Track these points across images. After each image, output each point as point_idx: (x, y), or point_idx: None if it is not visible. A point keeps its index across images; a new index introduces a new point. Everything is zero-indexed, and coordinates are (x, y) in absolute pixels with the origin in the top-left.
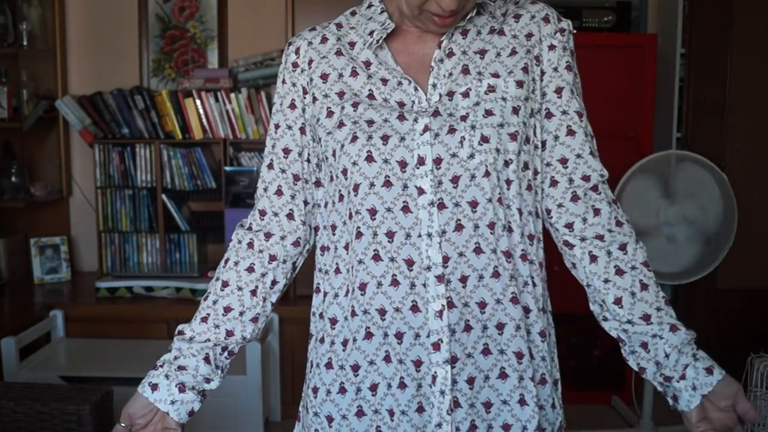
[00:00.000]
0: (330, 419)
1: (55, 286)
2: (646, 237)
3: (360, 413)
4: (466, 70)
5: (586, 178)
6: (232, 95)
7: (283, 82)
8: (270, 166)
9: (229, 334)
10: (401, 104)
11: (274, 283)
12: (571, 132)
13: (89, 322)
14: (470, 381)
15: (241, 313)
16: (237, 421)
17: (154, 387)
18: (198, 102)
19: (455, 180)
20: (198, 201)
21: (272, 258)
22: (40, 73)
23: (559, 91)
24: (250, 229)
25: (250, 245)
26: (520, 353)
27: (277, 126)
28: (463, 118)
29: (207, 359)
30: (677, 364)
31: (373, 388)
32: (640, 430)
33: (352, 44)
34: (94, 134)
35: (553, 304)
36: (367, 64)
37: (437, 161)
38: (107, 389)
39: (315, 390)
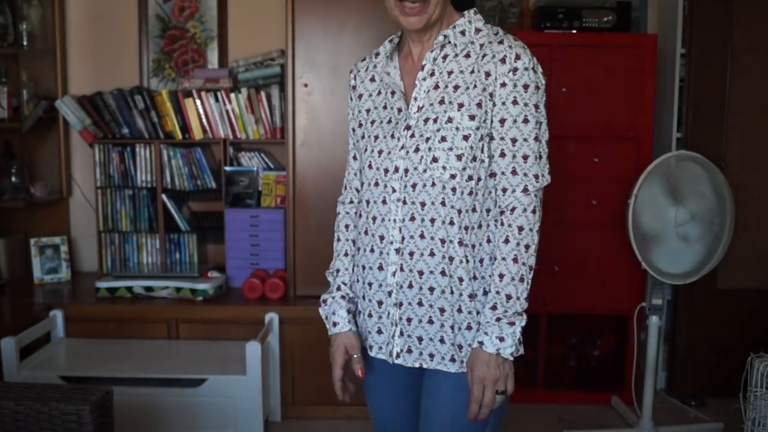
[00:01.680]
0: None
1: (55, 286)
2: (662, 239)
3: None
4: (441, 101)
5: (504, 190)
6: (232, 95)
7: (350, 98)
8: (354, 158)
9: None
10: (399, 110)
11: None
12: (502, 154)
13: (89, 322)
14: (408, 320)
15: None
16: (237, 421)
17: (335, 324)
18: (198, 102)
19: (414, 186)
20: (198, 201)
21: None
22: (40, 73)
23: (502, 121)
24: (351, 202)
25: (356, 214)
26: (443, 309)
27: (353, 129)
28: (427, 140)
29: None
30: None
31: (359, 312)
32: (640, 430)
33: (378, 68)
34: (94, 134)
35: (553, 304)
36: (386, 75)
37: (405, 171)
38: (107, 389)
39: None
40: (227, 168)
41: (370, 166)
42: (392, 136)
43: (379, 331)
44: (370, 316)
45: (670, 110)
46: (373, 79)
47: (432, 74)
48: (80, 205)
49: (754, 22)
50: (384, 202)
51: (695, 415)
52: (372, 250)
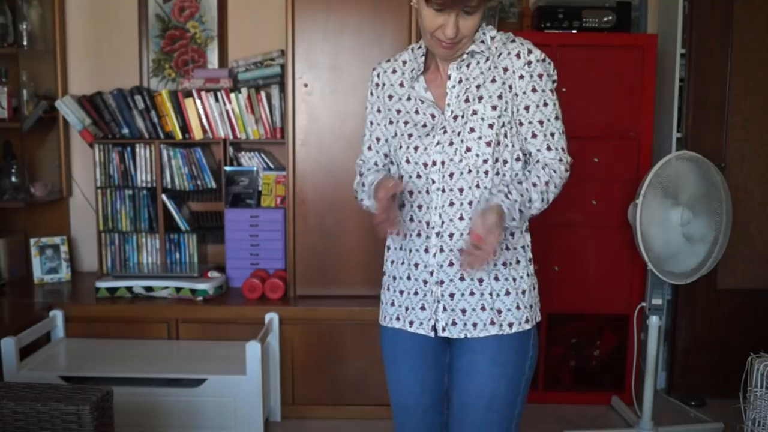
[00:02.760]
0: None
1: (55, 286)
2: (667, 239)
3: (399, 293)
4: (466, 99)
5: (537, 161)
6: (232, 95)
7: (371, 93)
8: (369, 148)
9: None
10: (432, 116)
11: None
12: (534, 135)
13: (89, 322)
14: (451, 296)
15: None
16: (237, 421)
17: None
18: (198, 102)
19: (451, 175)
20: (198, 201)
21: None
22: (40, 73)
23: (527, 108)
24: (361, 175)
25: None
26: (481, 279)
27: (371, 123)
28: (458, 134)
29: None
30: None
31: (402, 291)
32: (640, 430)
33: (406, 75)
34: (94, 134)
35: (553, 305)
36: (413, 90)
37: (443, 163)
38: (107, 389)
39: (391, 262)
40: (227, 168)
41: (407, 161)
42: (427, 135)
43: (423, 308)
44: (415, 293)
45: (670, 110)
46: (402, 84)
47: (460, 81)
48: (80, 205)
49: (754, 22)
50: (427, 192)
51: (695, 415)
52: (419, 235)
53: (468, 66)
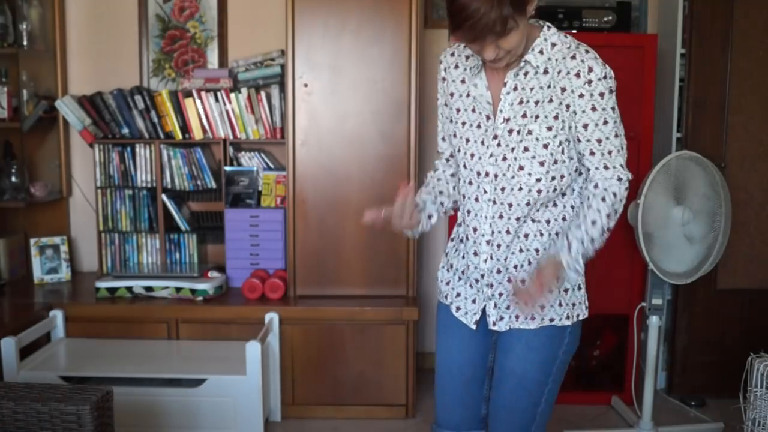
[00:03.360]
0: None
1: (55, 286)
2: (667, 238)
3: (458, 279)
4: (523, 115)
5: (595, 186)
6: (232, 95)
7: (439, 85)
8: (443, 139)
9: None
10: (487, 117)
11: (450, 186)
12: (592, 153)
13: (89, 322)
14: (500, 295)
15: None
16: (237, 421)
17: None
18: (198, 102)
19: (503, 189)
20: (198, 201)
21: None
22: (40, 73)
23: (585, 126)
24: (436, 170)
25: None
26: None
27: (441, 114)
28: (512, 150)
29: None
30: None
31: (460, 278)
32: (640, 430)
33: (467, 72)
34: (94, 134)
35: None
36: (473, 87)
37: (495, 176)
38: (107, 389)
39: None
40: (227, 168)
41: (465, 167)
42: (482, 143)
43: (474, 301)
44: (471, 286)
45: (670, 110)
46: (463, 81)
47: (515, 89)
48: (80, 205)
49: (754, 22)
50: (477, 199)
51: (695, 415)
52: (467, 238)
53: (525, 75)
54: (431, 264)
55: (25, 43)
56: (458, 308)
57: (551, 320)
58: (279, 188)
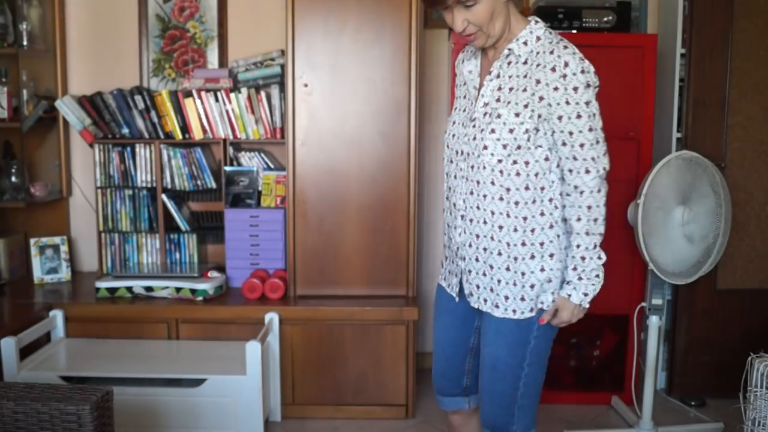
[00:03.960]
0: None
1: (55, 286)
2: (667, 238)
3: (446, 258)
4: (498, 99)
5: (569, 171)
6: (232, 95)
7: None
8: None
9: None
10: (471, 102)
11: None
12: (564, 144)
13: (89, 322)
14: (469, 272)
15: None
16: (237, 421)
17: None
18: (198, 102)
19: (472, 167)
20: (198, 201)
21: None
22: (40, 73)
23: (560, 118)
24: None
25: None
26: (492, 266)
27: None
28: (482, 131)
29: None
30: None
31: (447, 257)
32: (640, 430)
33: (472, 62)
34: (94, 134)
35: None
36: (468, 73)
37: (468, 154)
38: (107, 389)
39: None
40: (227, 168)
41: (447, 146)
42: (463, 125)
43: (454, 275)
44: (452, 262)
45: (670, 110)
46: (470, 72)
47: (498, 76)
48: (80, 205)
49: (754, 22)
50: (455, 177)
51: (695, 415)
52: (451, 213)
53: (509, 64)
54: (431, 264)
55: (25, 43)
56: (449, 285)
57: (514, 311)
58: (279, 188)
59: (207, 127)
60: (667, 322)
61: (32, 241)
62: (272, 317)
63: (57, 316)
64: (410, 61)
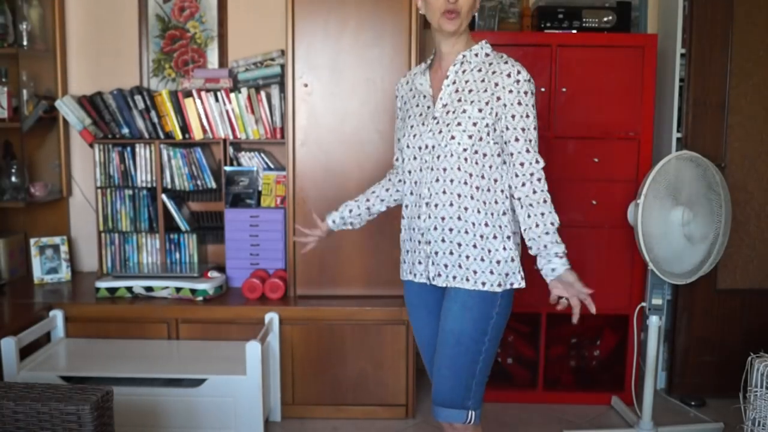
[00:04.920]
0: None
1: (55, 286)
2: (667, 239)
3: (407, 252)
4: (459, 99)
5: (521, 164)
6: (232, 95)
7: (397, 109)
8: (396, 159)
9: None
10: (428, 107)
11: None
12: (516, 139)
13: (89, 322)
14: (436, 253)
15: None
16: (237, 421)
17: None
18: (198, 102)
19: (438, 157)
20: (198, 201)
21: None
22: (40, 73)
23: (513, 116)
24: (391, 175)
25: (389, 181)
26: (459, 244)
27: (398, 128)
28: (447, 125)
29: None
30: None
31: (408, 251)
32: (640, 430)
33: (415, 81)
34: (94, 134)
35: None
36: (419, 84)
37: (433, 147)
38: (107, 389)
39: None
40: (227, 168)
41: (408, 146)
42: (423, 124)
43: (420, 262)
44: (415, 252)
45: (670, 110)
46: (411, 89)
47: (454, 82)
48: (80, 205)
49: (754, 22)
50: (420, 170)
51: (695, 415)
52: (416, 205)
53: (464, 72)
54: None
55: (25, 43)
56: (415, 275)
57: (483, 284)
58: (279, 188)
59: (207, 127)
60: (667, 322)
61: (32, 241)
62: (272, 317)
63: (57, 316)
64: (410, 61)
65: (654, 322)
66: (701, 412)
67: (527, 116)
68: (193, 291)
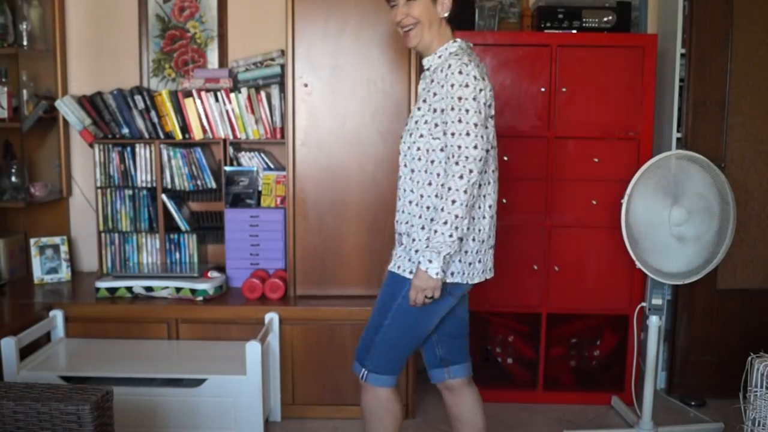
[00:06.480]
0: None
1: (55, 286)
2: (655, 235)
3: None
4: (419, 108)
5: (448, 159)
6: (232, 95)
7: None
8: None
9: None
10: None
11: None
12: (445, 133)
13: (89, 322)
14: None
15: None
16: (237, 421)
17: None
18: (198, 102)
19: (403, 156)
20: (198, 201)
21: None
22: (40, 73)
23: (444, 122)
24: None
25: None
26: (402, 243)
27: None
28: (408, 131)
29: None
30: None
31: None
32: (640, 430)
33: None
34: (94, 134)
35: (553, 304)
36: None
37: (402, 152)
38: (107, 389)
39: None
40: (227, 168)
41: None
42: (404, 133)
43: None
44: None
45: (670, 110)
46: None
47: (423, 88)
48: (80, 205)
49: (754, 22)
50: (401, 172)
51: (695, 415)
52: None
53: (428, 76)
54: None
55: (25, 43)
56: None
57: (398, 267)
58: (279, 188)
59: (207, 127)
60: (667, 322)
61: (32, 241)
62: (272, 317)
63: (57, 316)
64: (410, 61)
65: (654, 322)
66: (701, 412)
67: (459, 121)
68: (193, 291)
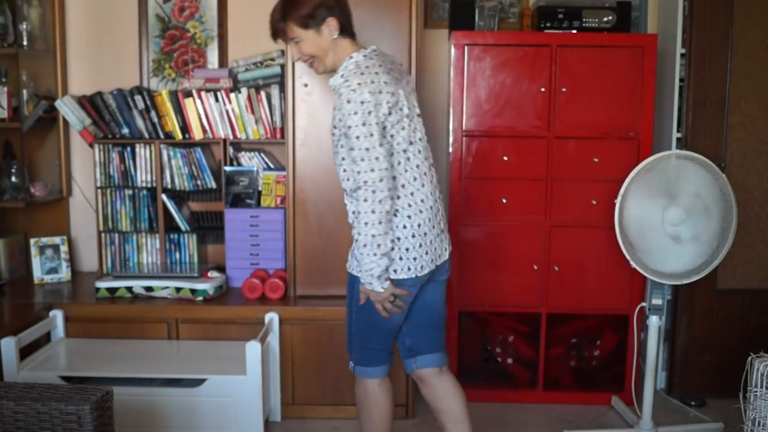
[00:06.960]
0: None
1: (55, 286)
2: (650, 236)
3: None
4: (333, 126)
5: (353, 181)
6: (232, 95)
7: None
8: None
9: None
10: None
11: None
12: (344, 159)
13: (89, 322)
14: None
15: None
16: (237, 421)
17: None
18: (198, 102)
19: (339, 176)
20: (198, 201)
21: None
22: (40, 73)
23: (339, 138)
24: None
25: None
26: (354, 241)
27: None
28: (335, 150)
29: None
30: None
31: None
32: (640, 430)
33: None
34: (94, 134)
35: (553, 304)
36: None
37: (338, 169)
38: (107, 389)
39: None
40: (227, 168)
41: None
42: None
43: None
44: None
45: (670, 110)
46: None
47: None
48: (80, 205)
49: (754, 22)
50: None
51: (695, 415)
52: None
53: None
54: None
55: (25, 43)
56: None
57: (348, 266)
58: (279, 188)
59: (207, 127)
60: (667, 322)
61: (32, 241)
62: (272, 317)
63: (57, 316)
64: (410, 61)
65: (654, 322)
66: (701, 412)
67: (357, 138)
68: (193, 291)
